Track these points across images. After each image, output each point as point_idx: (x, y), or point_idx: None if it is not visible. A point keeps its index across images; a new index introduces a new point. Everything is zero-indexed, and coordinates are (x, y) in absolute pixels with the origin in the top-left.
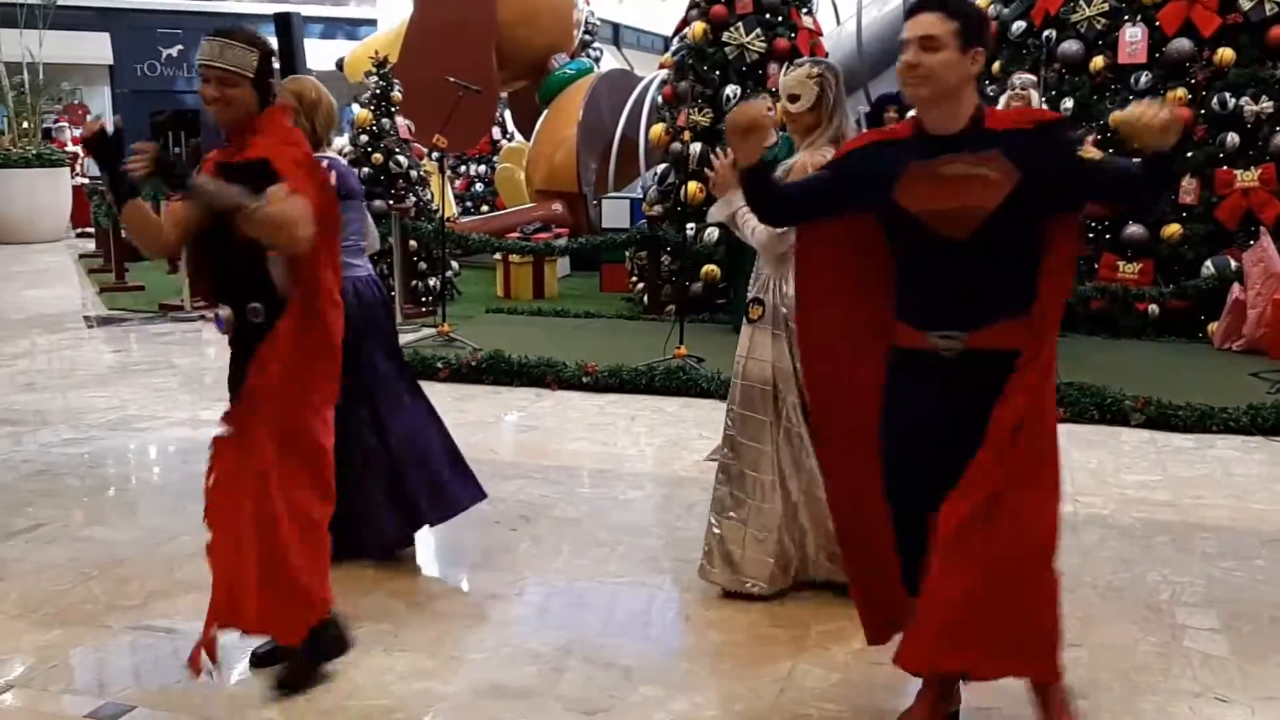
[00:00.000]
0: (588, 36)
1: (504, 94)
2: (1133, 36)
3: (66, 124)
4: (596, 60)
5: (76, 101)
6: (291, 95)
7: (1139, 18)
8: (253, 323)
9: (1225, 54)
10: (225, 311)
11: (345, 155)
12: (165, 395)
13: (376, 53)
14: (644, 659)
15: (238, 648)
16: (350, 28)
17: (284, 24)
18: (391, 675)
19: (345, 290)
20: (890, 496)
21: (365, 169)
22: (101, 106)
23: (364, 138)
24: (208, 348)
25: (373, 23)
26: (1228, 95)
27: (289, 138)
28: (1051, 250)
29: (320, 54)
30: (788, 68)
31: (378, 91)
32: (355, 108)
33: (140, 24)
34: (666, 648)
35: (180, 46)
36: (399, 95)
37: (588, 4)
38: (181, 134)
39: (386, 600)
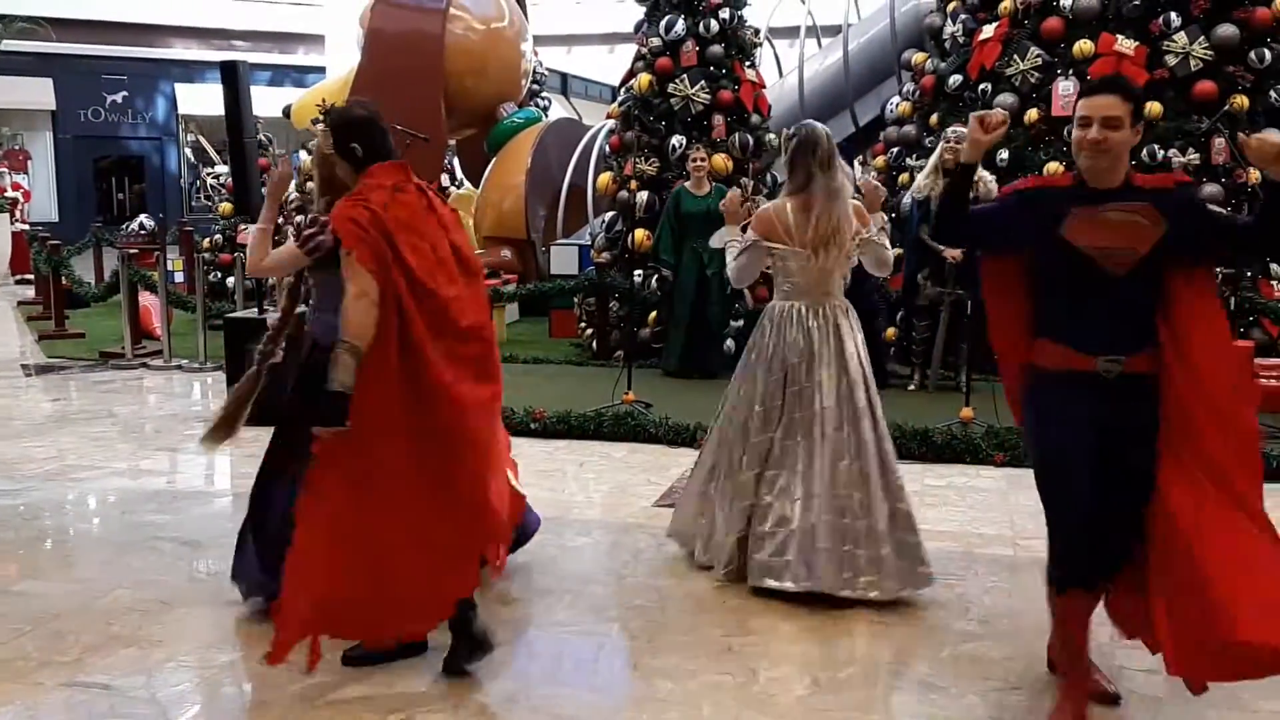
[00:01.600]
0: (536, 86)
1: (452, 142)
2: (1065, 90)
3: (6, 169)
4: (545, 109)
5: (17, 147)
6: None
7: (1071, 72)
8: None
9: (1153, 108)
10: None
11: (292, 203)
12: (105, 445)
13: (324, 100)
14: (591, 708)
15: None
16: (298, 75)
17: (230, 72)
18: None
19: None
20: (1061, 500)
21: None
22: (43, 152)
23: (310, 185)
24: (149, 396)
25: (321, 70)
26: (1156, 147)
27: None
28: (1177, 294)
29: (268, 101)
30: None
31: None
32: (302, 155)
33: (84, 69)
34: (613, 697)
35: (125, 92)
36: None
37: (536, 54)
38: (125, 180)
39: (328, 650)
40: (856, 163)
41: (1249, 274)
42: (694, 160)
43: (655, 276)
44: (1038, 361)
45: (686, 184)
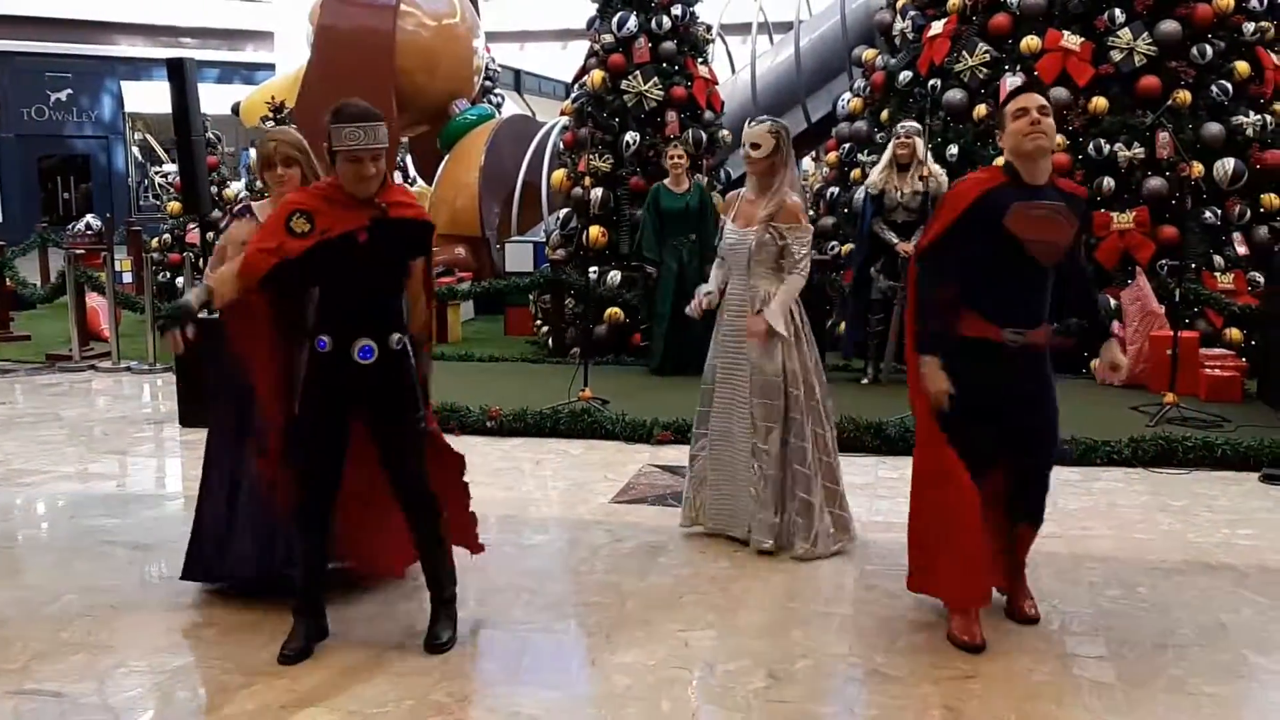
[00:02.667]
0: (489, 83)
1: (405, 139)
2: (1013, 85)
3: None
4: (498, 106)
5: None
6: (293, 148)
7: (1018, 67)
8: (395, 349)
9: (1099, 102)
10: (374, 343)
11: (241, 201)
12: (52, 448)
13: (273, 98)
14: (549, 706)
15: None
16: (247, 72)
17: (177, 70)
18: None
19: None
20: (960, 448)
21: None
22: None
23: (260, 183)
24: (98, 398)
25: (270, 67)
26: (1102, 141)
27: (414, 198)
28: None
29: (217, 99)
30: (750, 122)
31: None
32: (252, 152)
33: (28, 67)
34: (572, 694)
35: (70, 90)
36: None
37: (488, 50)
38: (71, 179)
39: (274, 663)
40: (809, 159)
41: (1193, 266)
42: (673, 158)
43: (641, 273)
44: (959, 330)
45: (665, 181)
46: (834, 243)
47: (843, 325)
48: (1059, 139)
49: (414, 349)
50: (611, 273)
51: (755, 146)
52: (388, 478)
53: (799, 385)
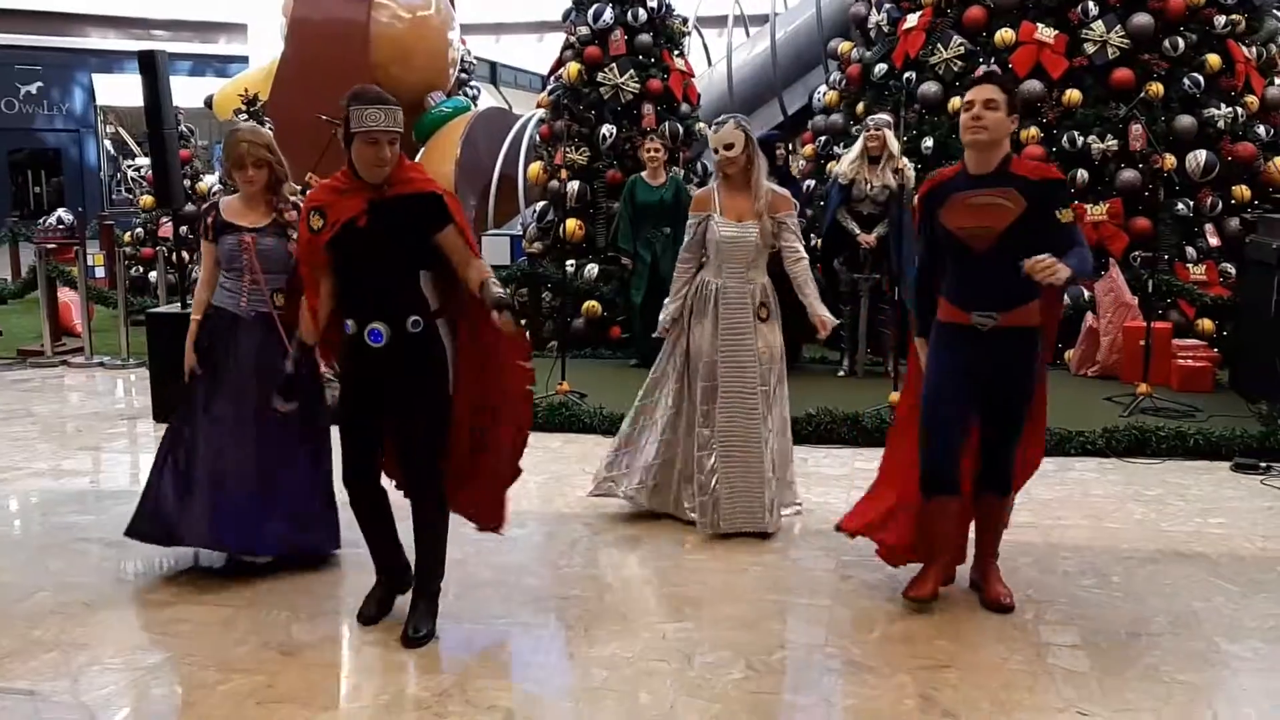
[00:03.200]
0: (464, 75)
1: None
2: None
3: None
4: (474, 99)
5: None
6: (264, 148)
7: (993, 60)
8: (412, 333)
9: (1073, 95)
10: (384, 326)
11: (215, 193)
12: (24, 445)
13: (246, 90)
14: (527, 700)
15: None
16: (220, 65)
17: (149, 62)
18: None
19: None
20: (930, 422)
21: None
22: None
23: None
24: (71, 394)
25: (244, 60)
26: (1076, 134)
27: (428, 175)
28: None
29: (189, 91)
30: (714, 127)
31: None
32: None
33: None
34: (550, 687)
35: (40, 83)
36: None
37: (464, 43)
38: (42, 173)
39: (259, 650)
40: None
41: (1166, 257)
42: (649, 150)
43: (592, 266)
44: (937, 315)
45: (642, 174)
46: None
47: None
48: (1032, 130)
49: (489, 296)
50: (589, 266)
51: (729, 146)
52: (396, 459)
53: (778, 363)
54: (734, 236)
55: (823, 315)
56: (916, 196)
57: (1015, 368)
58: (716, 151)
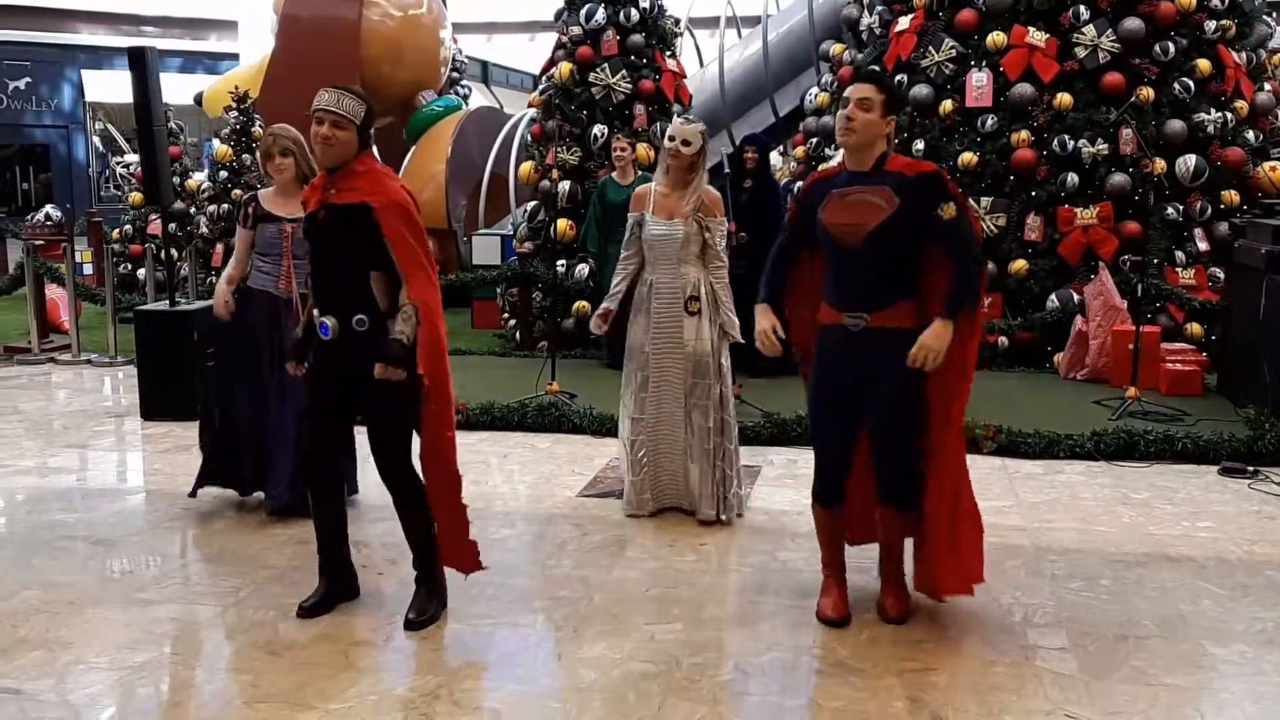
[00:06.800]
0: (455, 74)
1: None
2: (979, 81)
3: None
4: (465, 98)
5: None
6: (289, 140)
7: (984, 63)
8: (357, 331)
9: (1064, 98)
10: (332, 321)
11: (205, 191)
12: (10, 442)
13: (236, 88)
14: (514, 701)
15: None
16: (211, 62)
17: (139, 58)
18: None
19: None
20: (815, 433)
21: (225, 205)
22: None
23: (224, 174)
24: (58, 391)
25: (234, 57)
26: (1067, 138)
27: (387, 181)
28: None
29: (179, 88)
30: (679, 121)
31: (238, 127)
32: (215, 143)
33: None
34: (537, 688)
35: (28, 79)
36: (260, 130)
37: (455, 41)
38: (30, 169)
39: (246, 648)
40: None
41: (1154, 261)
42: (617, 150)
43: (582, 266)
44: (817, 317)
45: (612, 174)
46: None
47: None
48: (1023, 134)
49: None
50: (579, 266)
51: (687, 144)
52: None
53: (714, 359)
54: (662, 235)
55: (730, 329)
56: (799, 190)
57: (887, 370)
58: (671, 140)
